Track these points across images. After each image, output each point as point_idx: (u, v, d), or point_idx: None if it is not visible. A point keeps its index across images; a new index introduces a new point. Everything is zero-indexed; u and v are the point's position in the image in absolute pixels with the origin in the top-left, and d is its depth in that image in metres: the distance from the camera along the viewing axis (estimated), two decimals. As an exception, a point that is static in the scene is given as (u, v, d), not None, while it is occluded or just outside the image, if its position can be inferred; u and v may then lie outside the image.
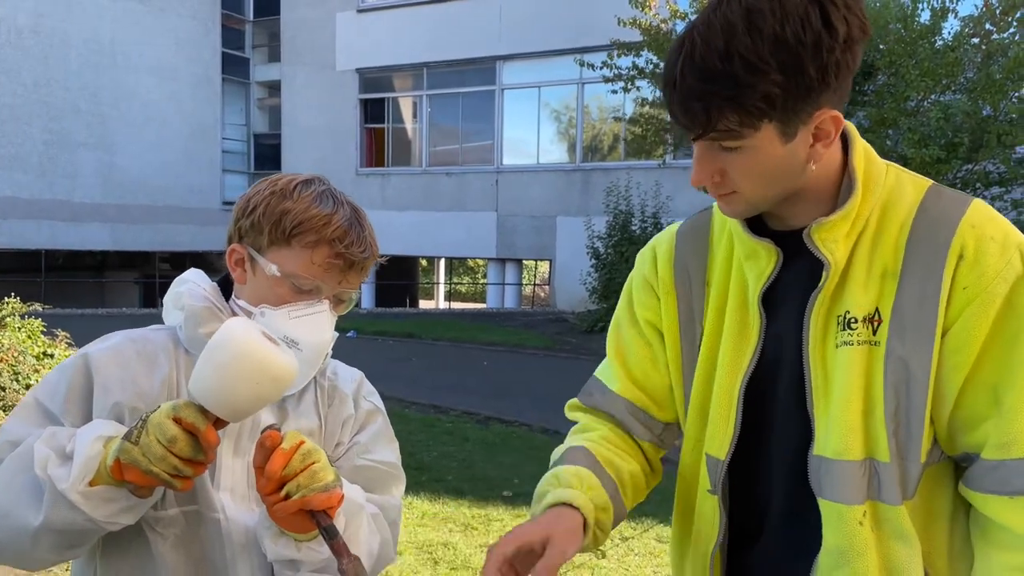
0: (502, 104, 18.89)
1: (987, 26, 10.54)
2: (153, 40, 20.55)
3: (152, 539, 1.14)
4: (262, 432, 1.03)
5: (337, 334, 1.26)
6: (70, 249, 19.94)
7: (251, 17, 23.65)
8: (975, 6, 10.62)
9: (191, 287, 1.24)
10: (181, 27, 21.27)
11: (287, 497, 1.02)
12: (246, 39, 23.66)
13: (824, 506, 1.10)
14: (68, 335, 5.60)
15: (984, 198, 10.93)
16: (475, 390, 9.12)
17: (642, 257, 1.34)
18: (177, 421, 0.98)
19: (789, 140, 1.03)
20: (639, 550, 4.27)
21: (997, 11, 10.37)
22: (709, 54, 0.97)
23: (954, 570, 1.11)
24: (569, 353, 12.34)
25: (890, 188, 1.11)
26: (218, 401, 0.99)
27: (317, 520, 1.04)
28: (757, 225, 1.16)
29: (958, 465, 1.12)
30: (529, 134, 18.88)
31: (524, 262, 21.02)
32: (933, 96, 10.66)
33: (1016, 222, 10.55)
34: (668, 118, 13.59)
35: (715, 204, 1.18)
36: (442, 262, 26.69)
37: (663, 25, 11.87)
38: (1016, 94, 10.29)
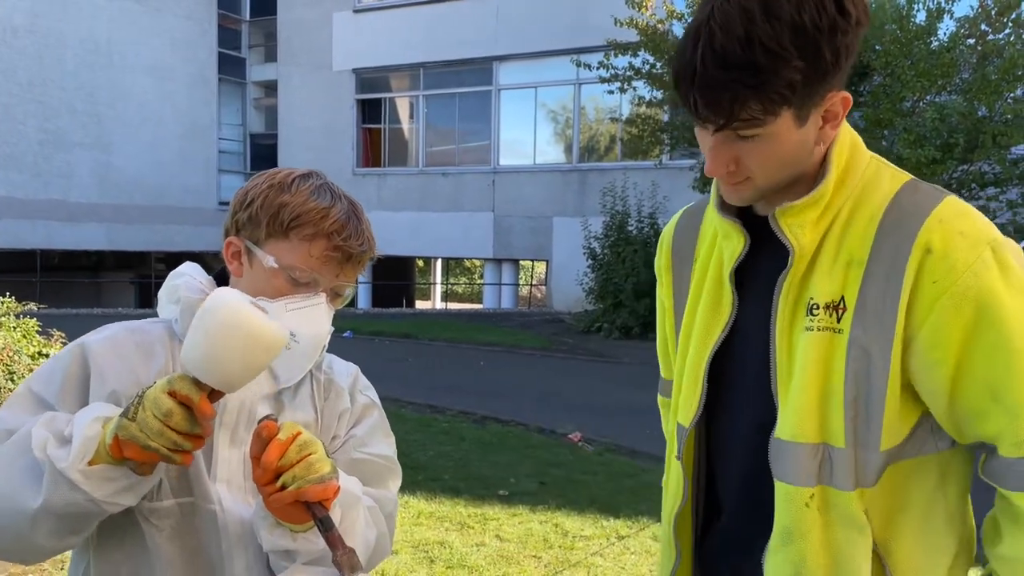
0: (498, 104, 18.90)
1: (982, 27, 10.58)
2: (149, 40, 20.52)
3: (147, 531, 1.13)
4: (259, 422, 1.03)
5: (333, 329, 1.26)
6: (66, 249, 19.89)
7: (247, 17, 23.62)
8: (971, 7, 10.65)
9: (187, 280, 1.24)
10: (177, 27, 21.23)
11: (283, 488, 1.02)
12: (242, 39, 23.63)
13: (777, 486, 1.12)
14: (64, 335, 5.58)
15: (980, 199, 10.96)
16: (471, 390, 9.12)
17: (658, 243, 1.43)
18: (172, 395, 0.99)
19: (803, 124, 1.04)
20: (635, 548, 4.27)
21: (992, 12, 10.41)
22: (730, 42, 0.97)
23: (914, 564, 1.11)
24: (566, 353, 12.34)
25: (867, 180, 1.12)
26: (209, 369, 0.99)
27: (313, 511, 1.04)
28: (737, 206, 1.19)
29: (953, 464, 1.13)
30: (525, 134, 18.90)
31: (521, 262, 21.02)
32: (929, 97, 10.70)
33: (1012, 222, 10.60)
34: (665, 118, 13.65)
35: (714, 185, 1.19)
36: (439, 262, 26.68)
37: (660, 25, 11.89)
38: (1011, 95, 10.32)
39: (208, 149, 22.23)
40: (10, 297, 5.61)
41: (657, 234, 9.21)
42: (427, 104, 20.23)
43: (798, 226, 1.09)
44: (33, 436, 1.04)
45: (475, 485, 5.39)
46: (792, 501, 1.10)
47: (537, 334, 14.27)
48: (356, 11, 20.23)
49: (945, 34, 10.68)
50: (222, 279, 1.29)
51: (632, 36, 12.21)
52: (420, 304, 25.39)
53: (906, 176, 1.13)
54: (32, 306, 5.70)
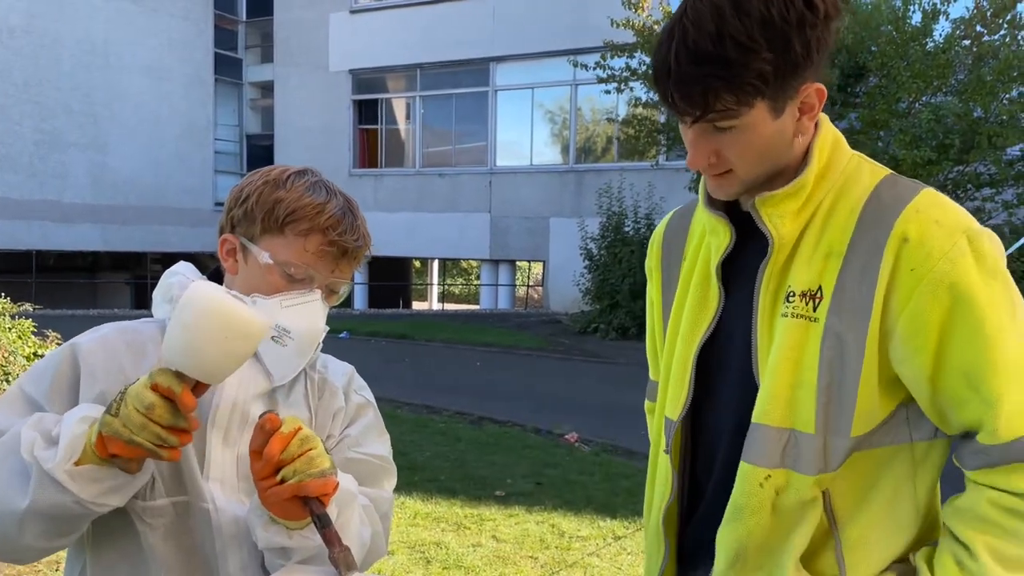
0: (495, 105, 18.90)
1: (978, 28, 10.61)
2: (145, 40, 20.49)
3: (142, 530, 1.13)
4: (260, 416, 1.03)
5: (327, 327, 1.25)
6: (61, 250, 19.85)
7: (244, 18, 23.60)
8: (966, 8, 10.68)
9: (181, 279, 1.24)
10: (174, 27, 21.21)
11: (283, 482, 1.02)
12: (239, 40, 23.61)
13: (740, 466, 1.15)
14: (59, 336, 5.56)
15: (975, 199, 10.98)
16: (468, 391, 9.12)
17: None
18: (154, 388, 0.98)
19: (779, 115, 1.08)
20: (632, 549, 4.28)
21: (988, 13, 10.44)
22: (701, 38, 1.02)
23: (867, 547, 1.13)
24: (562, 354, 12.35)
25: (849, 174, 1.15)
26: (190, 361, 0.98)
27: (310, 507, 1.03)
28: (724, 201, 1.21)
29: (926, 455, 1.15)
30: (522, 135, 18.90)
31: (517, 263, 21.03)
32: (924, 98, 10.72)
33: (1007, 223, 10.62)
34: (661, 119, 13.66)
35: (702, 184, 1.22)
36: (435, 263, 26.66)
37: (656, 26, 11.90)
38: (1006, 96, 10.35)
39: (204, 150, 22.20)
40: (5, 298, 5.59)
41: (654, 235, 9.17)
42: (424, 105, 20.22)
43: (778, 216, 1.12)
44: (21, 437, 1.03)
45: (471, 486, 5.39)
46: (748, 480, 1.13)
47: (534, 335, 14.27)
48: (353, 12, 20.22)
49: (941, 35, 10.71)
50: (216, 278, 1.29)
51: (629, 37, 12.23)
52: (417, 305, 25.37)
53: (885, 171, 1.16)
54: (28, 307, 5.69)
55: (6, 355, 4.87)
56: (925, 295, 1.04)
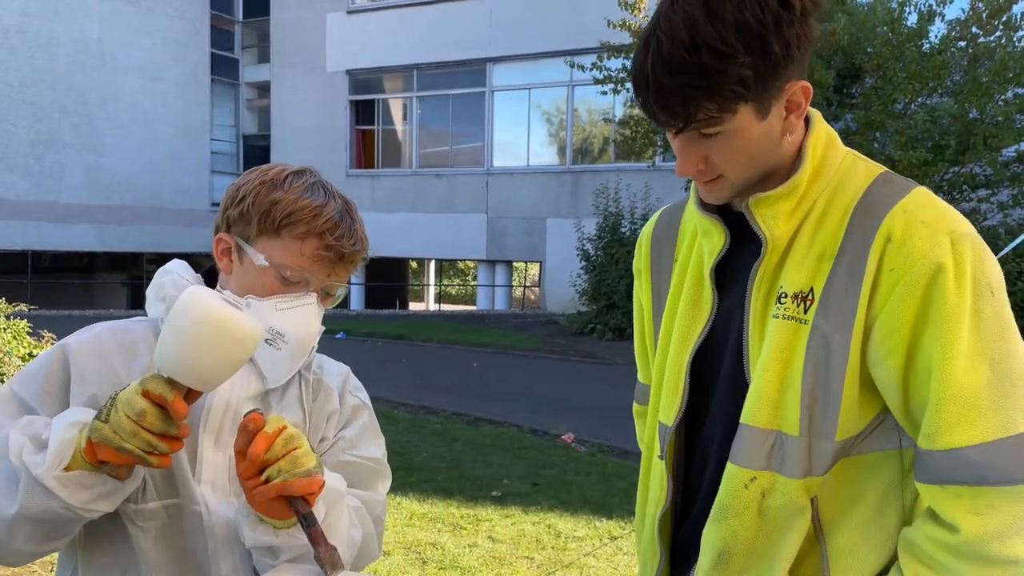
0: (492, 106, 18.90)
1: (973, 29, 10.63)
2: (141, 40, 20.45)
3: (133, 533, 1.12)
4: (244, 416, 1.02)
5: (324, 327, 1.24)
6: (57, 250, 19.80)
7: (240, 18, 23.57)
8: (961, 10, 10.70)
9: (174, 278, 1.22)
10: (169, 27, 21.16)
11: (267, 482, 1.01)
12: (235, 40, 23.57)
13: (727, 466, 1.14)
14: (54, 336, 5.54)
15: (971, 200, 11.00)
16: (464, 391, 9.11)
17: (636, 244, 1.42)
18: (145, 394, 0.97)
19: (765, 117, 1.05)
20: (628, 549, 4.27)
21: (983, 14, 10.45)
22: (675, 49, 0.99)
23: (854, 556, 1.11)
24: (559, 355, 12.34)
25: (843, 173, 1.13)
26: (183, 368, 0.97)
27: (296, 507, 1.02)
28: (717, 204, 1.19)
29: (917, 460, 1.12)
30: (519, 136, 18.89)
31: (514, 264, 21.02)
32: (920, 99, 10.74)
33: (1003, 224, 10.65)
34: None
35: (693, 185, 1.20)
36: (432, 264, 26.65)
37: (653, 27, 11.88)
38: (1002, 97, 10.37)
39: (200, 150, 22.16)
40: (1, 298, 5.57)
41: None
42: (421, 105, 20.21)
43: (771, 217, 1.10)
44: (10, 441, 1.02)
45: (468, 486, 5.38)
46: (733, 480, 1.12)
47: (530, 335, 14.27)
48: (350, 12, 20.20)
49: (936, 37, 10.72)
50: (211, 277, 1.28)
51: (625, 38, 12.22)
52: (413, 306, 25.36)
53: (880, 169, 1.14)
54: (23, 307, 5.67)
55: (1, 356, 4.86)
56: (902, 296, 1.02)
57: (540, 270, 19.33)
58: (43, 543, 1.06)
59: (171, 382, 0.98)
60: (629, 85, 12.65)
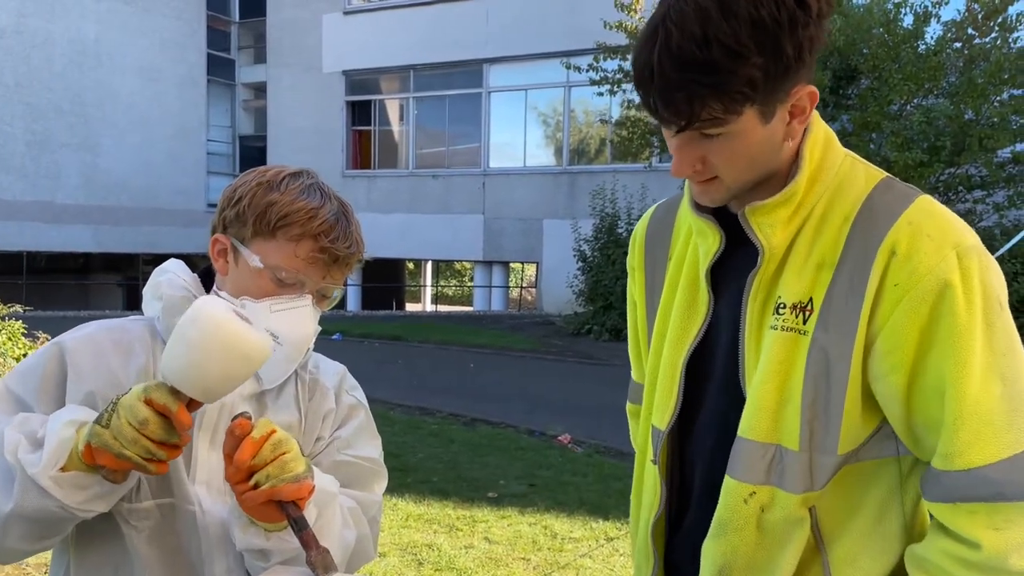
0: (489, 107, 18.90)
1: (969, 31, 10.66)
2: (137, 41, 20.41)
3: (126, 532, 1.12)
4: (233, 419, 1.01)
5: (320, 328, 1.24)
6: (52, 251, 19.75)
7: (237, 18, 23.54)
8: (957, 11, 10.73)
9: (171, 277, 1.22)
10: (166, 28, 21.13)
11: (256, 487, 1.01)
12: (232, 40, 23.55)
13: (725, 480, 1.12)
14: (49, 337, 5.53)
15: (966, 201, 11.03)
16: (461, 392, 9.11)
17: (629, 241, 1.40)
18: (148, 403, 0.97)
19: (768, 120, 1.01)
20: (624, 550, 4.27)
21: (979, 16, 10.48)
22: (685, 42, 0.94)
23: (856, 564, 1.10)
24: (556, 355, 12.34)
25: (842, 177, 1.09)
26: (189, 380, 0.97)
27: (286, 511, 1.02)
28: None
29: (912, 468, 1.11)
30: (516, 137, 18.90)
31: (511, 265, 21.01)
32: (916, 100, 10.76)
33: (998, 225, 10.68)
34: (654, 121, 13.61)
35: (687, 184, 1.17)
36: (429, 265, 26.64)
37: (649, 28, 11.89)
38: (997, 98, 10.41)
39: (197, 151, 22.12)
40: (-5, 299, 5.56)
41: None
42: (417, 106, 20.20)
43: (768, 225, 1.07)
44: (5, 438, 1.02)
45: (464, 487, 5.38)
46: (732, 495, 1.10)
47: (527, 336, 14.27)
48: (346, 13, 20.19)
49: (932, 38, 10.75)
50: (207, 277, 1.27)
51: (621, 39, 12.24)
52: (410, 306, 25.34)
53: (881, 174, 1.10)
54: (18, 308, 5.65)
55: (-4, 357, 4.85)
56: (907, 311, 1.00)
57: (537, 271, 19.33)
58: (36, 541, 1.06)
59: (174, 391, 0.98)
60: (625, 86, 12.71)
